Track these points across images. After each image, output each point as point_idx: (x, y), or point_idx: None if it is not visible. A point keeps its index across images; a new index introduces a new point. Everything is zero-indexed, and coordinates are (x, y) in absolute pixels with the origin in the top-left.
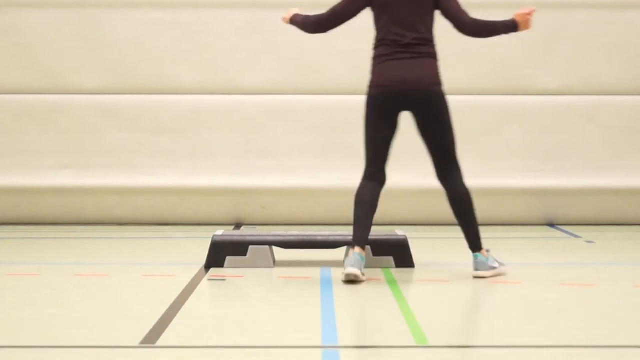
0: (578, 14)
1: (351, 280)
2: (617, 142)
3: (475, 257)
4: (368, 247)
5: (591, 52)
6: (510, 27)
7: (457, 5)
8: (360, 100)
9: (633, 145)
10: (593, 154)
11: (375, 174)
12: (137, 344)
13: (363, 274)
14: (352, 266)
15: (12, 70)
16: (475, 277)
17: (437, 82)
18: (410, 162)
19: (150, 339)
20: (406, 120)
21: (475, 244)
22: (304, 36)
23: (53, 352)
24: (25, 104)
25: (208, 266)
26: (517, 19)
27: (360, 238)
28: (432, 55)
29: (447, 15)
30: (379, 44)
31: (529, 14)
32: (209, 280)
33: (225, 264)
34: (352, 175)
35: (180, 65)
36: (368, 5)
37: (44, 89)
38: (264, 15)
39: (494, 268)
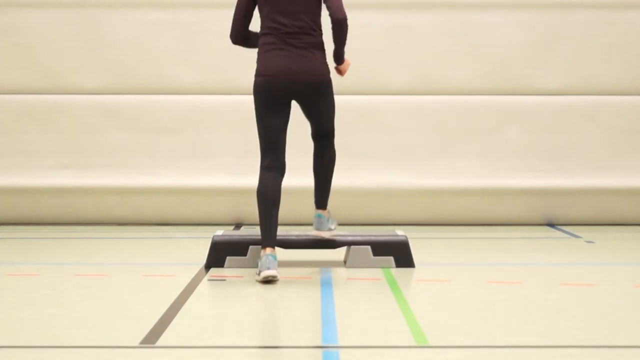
0: (578, 14)
1: (269, 281)
2: (617, 142)
3: (319, 217)
4: (368, 247)
5: (591, 52)
6: (342, 56)
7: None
8: (360, 100)
9: (633, 145)
10: (593, 154)
11: (273, 164)
12: (137, 344)
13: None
14: (269, 268)
15: (12, 70)
16: (316, 236)
17: (324, 73)
18: (410, 162)
19: (150, 339)
20: (404, 120)
21: (322, 203)
22: None
23: (53, 352)
24: (25, 104)
25: (208, 266)
26: (341, 65)
27: (271, 239)
28: (316, 45)
29: (327, 5)
30: (263, 32)
31: (344, 71)
32: (209, 280)
33: (226, 264)
34: (352, 175)
35: (180, 65)
36: None
37: (44, 89)
38: None
39: (330, 229)
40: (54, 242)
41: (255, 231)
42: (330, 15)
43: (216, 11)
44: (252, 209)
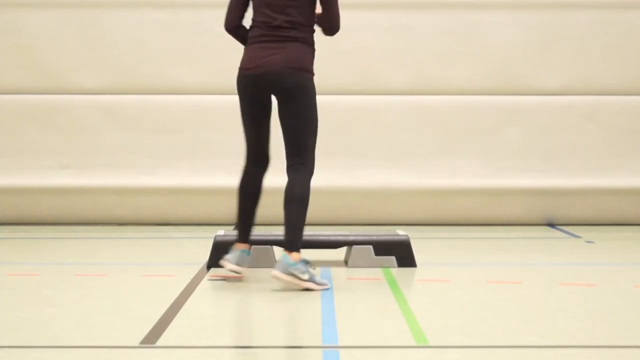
0: (578, 14)
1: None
2: (617, 142)
3: (283, 257)
4: (370, 247)
5: (591, 52)
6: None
7: (336, 6)
8: (360, 100)
9: (633, 145)
10: (593, 154)
11: (255, 158)
12: (137, 344)
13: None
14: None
15: (12, 70)
16: (273, 276)
17: (296, 67)
18: (410, 162)
19: (150, 339)
20: (404, 120)
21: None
22: None
23: (53, 352)
24: (25, 104)
25: (210, 266)
26: None
27: (246, 234)
28: (302, 40)
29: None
30: (252, 25)
31: None
32: (209, 280)
33: None
34: (352, 175)
35: (180, 65)
36: None
37: (44, 89)
38: None
39: (293, 275)
40: (54, 242)
41: (257, 231)
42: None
43: (216, 11)
44: None
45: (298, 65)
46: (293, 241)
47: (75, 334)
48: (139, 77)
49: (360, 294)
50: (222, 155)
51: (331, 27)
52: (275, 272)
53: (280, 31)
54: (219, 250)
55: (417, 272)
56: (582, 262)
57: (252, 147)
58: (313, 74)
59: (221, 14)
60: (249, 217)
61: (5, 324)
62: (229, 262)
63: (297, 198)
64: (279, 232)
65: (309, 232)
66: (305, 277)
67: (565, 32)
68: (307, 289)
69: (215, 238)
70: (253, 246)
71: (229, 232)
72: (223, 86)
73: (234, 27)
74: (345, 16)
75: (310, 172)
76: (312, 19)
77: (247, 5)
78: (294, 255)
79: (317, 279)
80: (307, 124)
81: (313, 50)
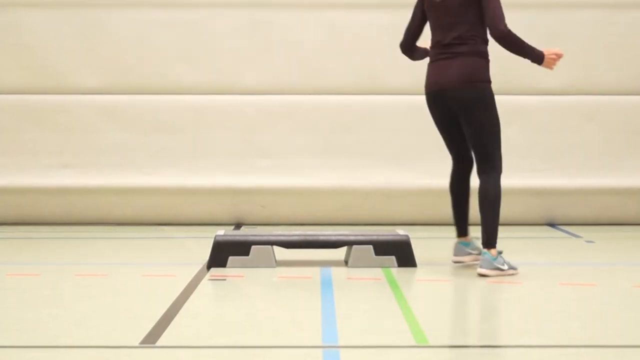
0: (579, 13)
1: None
2: (617, 142)
3: (483, 254)
4: (370, 247)
5: (592, 52)
6: (536, 57)
7: (494, 10)
8: (360, 100)
9: (633, 145)
10: (593, 154)
11: (456, 163)
12: (137, 344)
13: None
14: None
15: (12, 70)
16: (480, 274)
17: (467, 80)
18: (410, 162)
19: (150, 339)
20: (404, 120)
21: (484, 240)
22: (304, 36)
23: (53, 352)
24: (25, 104)
25: (210, 266)
26: (545, 53)
27: (459, 228)
28: (471, 53)
29: (484, 16)
30: (431, 45)
31: (556, 57)
32: (209, 280)
33: (228, 263)
34: (352, 175)
35: (180, 65)
36: (423, 12)
37: (44, 89)
38: (264, 15)
39: (497, 269)
40: (54, 242)
41: (258, 231)
42: (490, 30)
43: (217, 11)
44: (252, 209)
45: (469, 79)
46: (490, 238)
47: (75, 334)
48: (139, 77)
49: (360, 294)
50: (222, 155)
51: (490, 27)
52: (481, 270)
53: (451, 48)
54: (219, 250)
55: (417, 272)
56: (582, 262)
57: (451, 151)
58: (488, 82)
59: (222, 14)
60: (458, 212)
61: (5, 324)
62: (453, 256)
63: (490, 199)
64: (280, 232)
65: (308, 232)
66: (506, 267)
67: (565, 32)
68: (510, 275)
69: (215, 238)
70: (253, 246)
71: (229, 231)
72: (223, 86)
73: (408, 47)
74: (346, 16)
75: (497, 169)
76: (481, 31)
77: (422, 28)
78: (492, 250)
79: (511, 263)
80: (489, 132)
81: (485, 60)
